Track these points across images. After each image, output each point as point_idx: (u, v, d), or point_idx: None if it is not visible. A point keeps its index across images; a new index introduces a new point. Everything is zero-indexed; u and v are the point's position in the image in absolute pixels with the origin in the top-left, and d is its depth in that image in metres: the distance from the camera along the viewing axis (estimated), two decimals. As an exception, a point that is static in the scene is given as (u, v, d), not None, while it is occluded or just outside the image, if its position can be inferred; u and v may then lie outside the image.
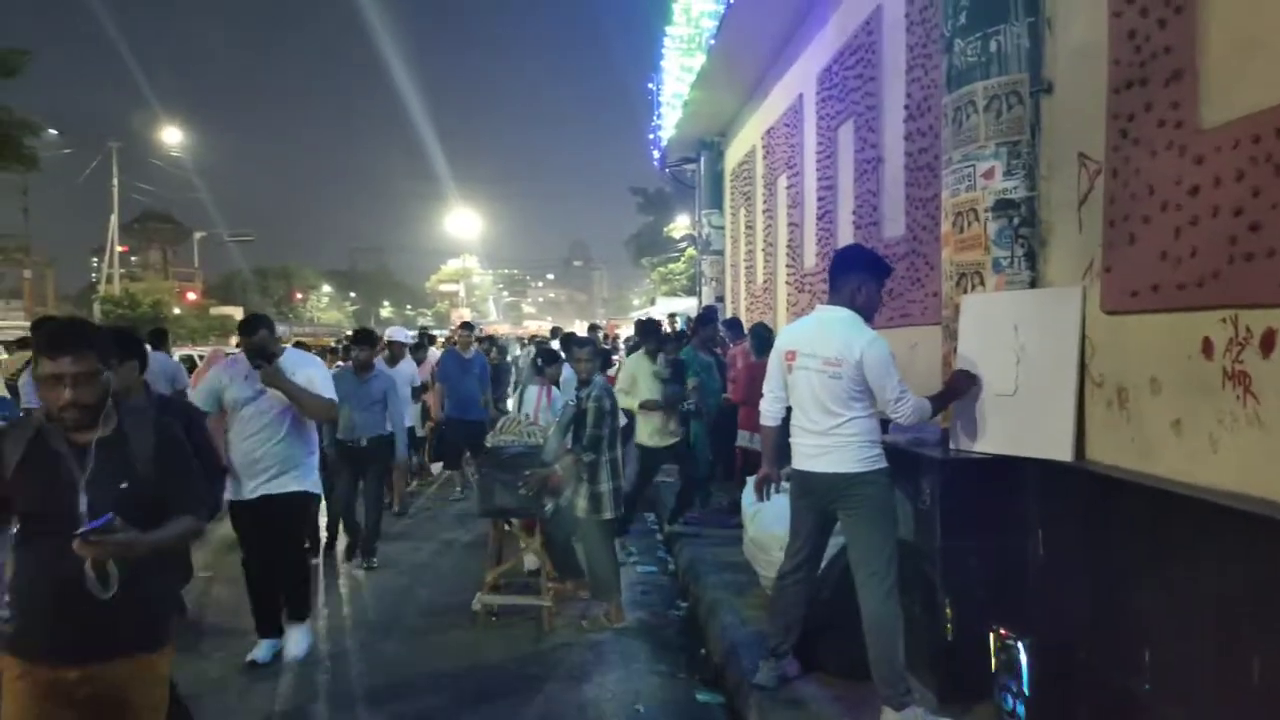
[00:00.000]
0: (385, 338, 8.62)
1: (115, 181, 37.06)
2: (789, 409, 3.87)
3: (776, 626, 3.97)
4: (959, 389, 3.84)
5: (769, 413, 3.96)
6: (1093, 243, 3.43)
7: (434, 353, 11.64)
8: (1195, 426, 2.89)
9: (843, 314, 3.67)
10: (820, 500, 3.71)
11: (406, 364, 8.76)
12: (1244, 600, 2.56)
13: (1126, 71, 3.23)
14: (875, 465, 3.59)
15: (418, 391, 9.04)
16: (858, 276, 3.69)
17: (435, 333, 20.94)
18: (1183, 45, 2.96)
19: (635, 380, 7.15)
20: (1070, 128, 3.63)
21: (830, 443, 3.60)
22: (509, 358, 15.98)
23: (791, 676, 4.00)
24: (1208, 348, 2.82)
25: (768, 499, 4.10)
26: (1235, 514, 2.59)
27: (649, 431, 7.02)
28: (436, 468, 10.75)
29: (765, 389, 3.97)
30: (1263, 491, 2.58)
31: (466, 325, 10.10)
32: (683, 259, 35.18)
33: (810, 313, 4.05)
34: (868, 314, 3.70)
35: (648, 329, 7.77)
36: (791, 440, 3.81)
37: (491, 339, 15.91)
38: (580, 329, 18.42)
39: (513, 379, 16.59)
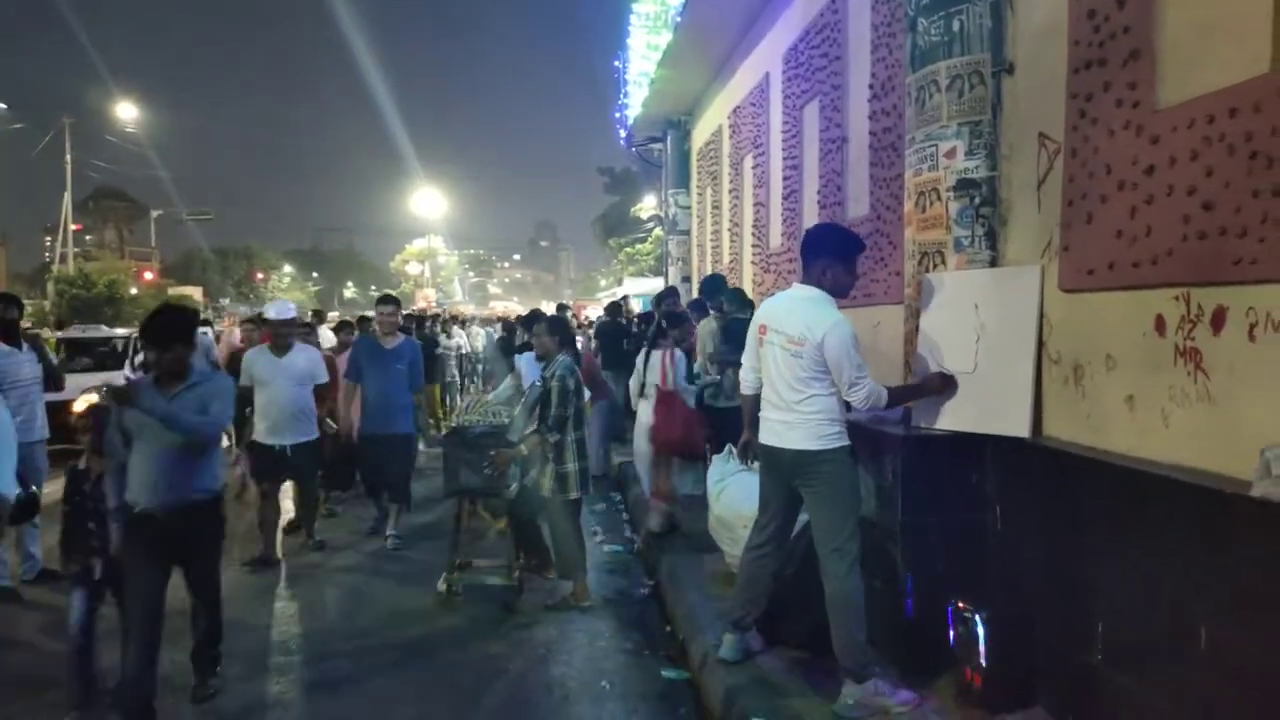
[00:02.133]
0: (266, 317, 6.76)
1: (69, 158, 36.12)
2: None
3: (741, 599, 4.01)
4: (930, 388, 3.85)
5: (746, 382, 4.02)
6: (1051, 222, 3.48)
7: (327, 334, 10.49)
8: (1148, 402, 2.94)
9: (812, 293, 3.69)
10: (784, 475, 3.75)
11: (300, 353, 6.36)
12: (1194, 572, 2.63)
13: (1085, 51, 3.26)
14: (835, 443, 3.61)
15: (321, 392, 6.50)
16: (825, 258, 3.70)
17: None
18: (1140, 25, 2.99)
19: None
20: (1031, 107, 3.66)
21: (793, 418, 3.63)
22: (461, 345, 15.03)
23: (755, 650, 4.05)
24: (1160, 325, 2.87)
25: (750, 463, 4.17)
26: (1185, 487, 2.65)
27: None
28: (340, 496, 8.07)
29: (744, 359, 4.04)
30: (1212, 465, 2.65)
31: (387, 299, 7.08)
32: (650, 239, 35.12)
33: (784, 290, 4.06)
34: (838, 292, 3.71)
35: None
36: (760, 414, 3.85)
37: (505, 321, 14.43)
38: (548, 310, 18.30)
39: (481, 368, 16.36)
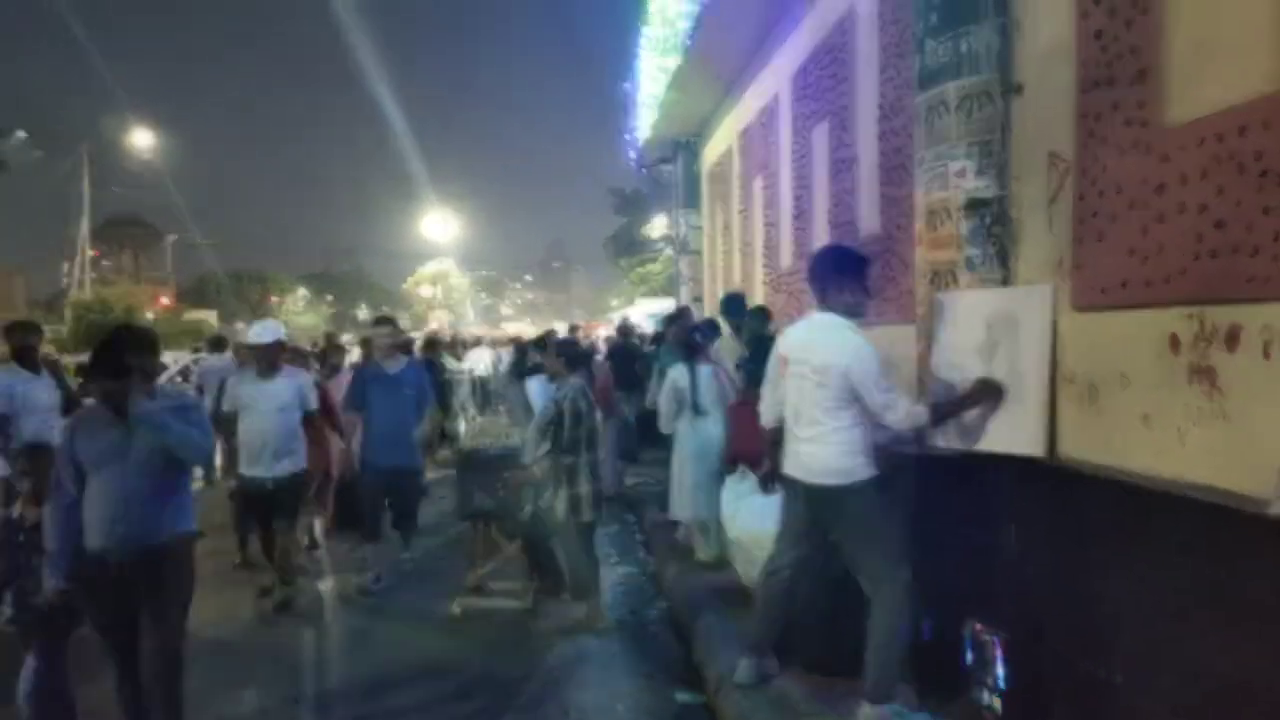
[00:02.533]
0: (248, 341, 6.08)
1: (86, 185, 36.60)
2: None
3: (758, 623, 3.97)
4: (976, 398, 3.60)
5: (765, 415, 3.98)
6: (1063, 240, 3.48)
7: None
8: (1164, 421, 2.93)
9: (831, 319, 3.66)
10: (806, 507, 3.70)
11: (287, 378, 5.82)
12: (1211, 591, 2.60)
13: (1094, 71, 3.27)
14: (858, 476, 3.54)
15: (308, 420, 5.93)
16: (835, 280, 3.69)
17: (414, 335, 20.39)
18: (1148, 45, 3.00)
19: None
20: (1040, 127, 3.67)
21: (818, 450, 3.58)
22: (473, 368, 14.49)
23: (771, 675, 4.01)
24: (1174, 343, 2.86)
25: (769, 493, 4.14)
26: (1202, 506, 2.63)
27: None
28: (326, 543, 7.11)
29: (764, 391, 4.00)
30: (1229, 484, 2.62)
31: (382, 320, 6.74)
32: (660, 259, 35.22)
33: (802, 318, 4.06)
34: (855, 314, 3.68)
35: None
36: (785, 445, 3.80)
37: (516, 343, 12.72)
38: (561, 330, 18.32)
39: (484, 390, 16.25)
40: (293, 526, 5.87)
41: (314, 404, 5.98)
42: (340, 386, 6.97)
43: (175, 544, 3.39)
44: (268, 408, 5.66)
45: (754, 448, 5.52)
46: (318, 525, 7.05)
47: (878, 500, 3.57)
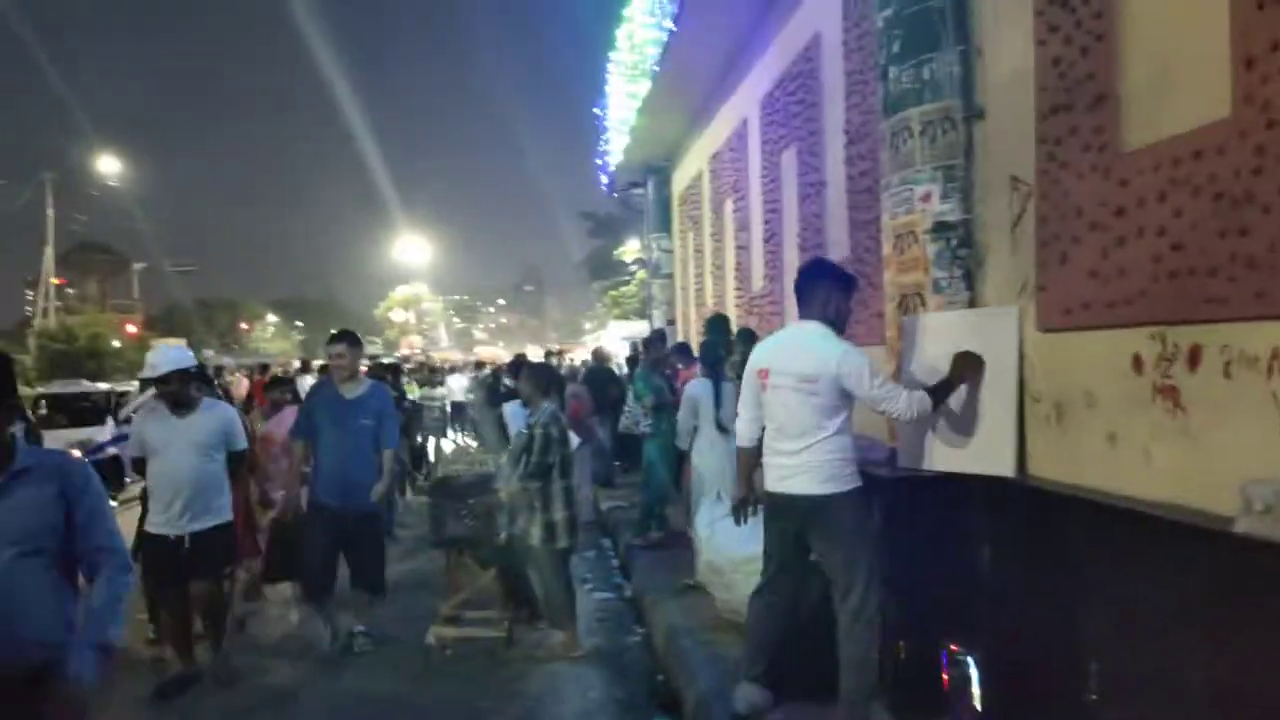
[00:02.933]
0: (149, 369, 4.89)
1: (50, 212, 36.10)
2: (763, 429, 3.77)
3: (751, 650, 3.83)
4: (964, 373, 3.63)
5: (744, 434, 3.87)
6: (1027, 263, 3.53)
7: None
8: (1129, 440, 2.97)
9: (815, 328, 3.62)
10: (792, 523, 3.63)
11: (206, 413, 4.88)
12: (1180, 608, 2.63)
13: (1053, 97, 3.34)
14: (846, 486, 3.51)
15: (234, 459, 5.01)
16: (825, 287, 3.66)
17: (384, 359, 20.09)
18: (1104, 72, 3.08)
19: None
20: (1002, 151, 3.74)
21: (802, 462, 3.51)
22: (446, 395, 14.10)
23: (762, 707, 3.78)
24: (1138, 363, 2.91)
25: (745, 522, 3.95)
26: (1168, 524, 2.67)
27: None
28: (278, 590, 6.18)
29: (739, 409, 3.90)
30: (1194, 501, 2.67)
31: (342, 337, 5.52)
32: (634, 282, 35.31)
33: (778, 332, 4.05)
34: (839, 326, 3.66)
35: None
36: (764, 460, 3.73)
37: (494, 369, 12.85)
38: (534, 354, 18.26)
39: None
40: (218, 582, 4.98)
41: (241, 443, 5.03)
42: (284, 424, 6.09)
43: (45, 661, 2.31)
44: (183, 449, 4.68)
45: None
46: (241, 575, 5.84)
47: (863, 511, 3.55)
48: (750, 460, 3.92)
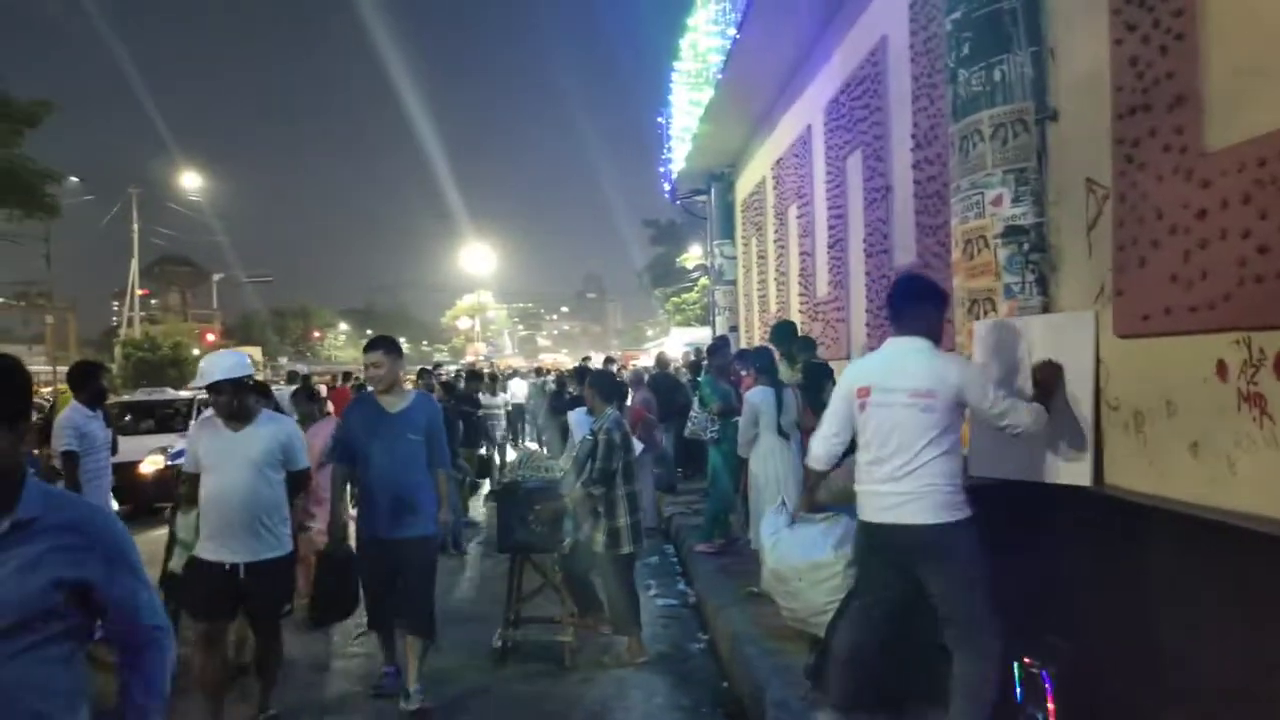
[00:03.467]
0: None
1: (135, 226, 37.66)
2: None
3: (841, 679, 3.58)
4: (1051, 382, 3.53)
5: (822, 455, 3.65)
6: (1103, 267, 3.45)
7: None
8: (1212, 449, 2.88)
9: (917, 343, 3.42)
10: (898, 555, 3.35)
11: (266, 426, 4.29)
12: (1266, 623, 2.54)
13: (1130, 97, 3.26)
14: (962, 514, 3.26)
15: (298, 480, 4.45)
16: (929, 305, 3.51)
17: (449, 367, 20.38)
18: (1184, 71, 2.99)
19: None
20: (1077, 153, 3.66)
21: (912, 489, 3.24)
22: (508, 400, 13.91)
23: None
24: (1222, 370, 2.82)
25: (794, 524, 3.90)
26: (1255, 536, 2.58)
27: None
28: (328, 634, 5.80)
29: (823, 429, 3.66)
30: (1282, 513, 2.57)
31: (378, 343, 4.87)
32: (696, 289, 35.31)
33: (876, 350, 3.82)
34: (937, 343, 3.50)
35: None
36: (859, 488, 3.46)
37: (559, 375, 12.97)
38: (596, 361, 18.41)
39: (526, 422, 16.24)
40: (276, 630, 4.36)
41: (303, 461, 4.44)
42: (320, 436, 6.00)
43: None
44: (239, 467, 4.13)
45: None
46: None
47: (978, 544, 3.27)
48: (817, 482, 3.80)
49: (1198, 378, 2.92)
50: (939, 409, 3.24)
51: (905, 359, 3.39)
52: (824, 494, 4.09)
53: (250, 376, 4.32)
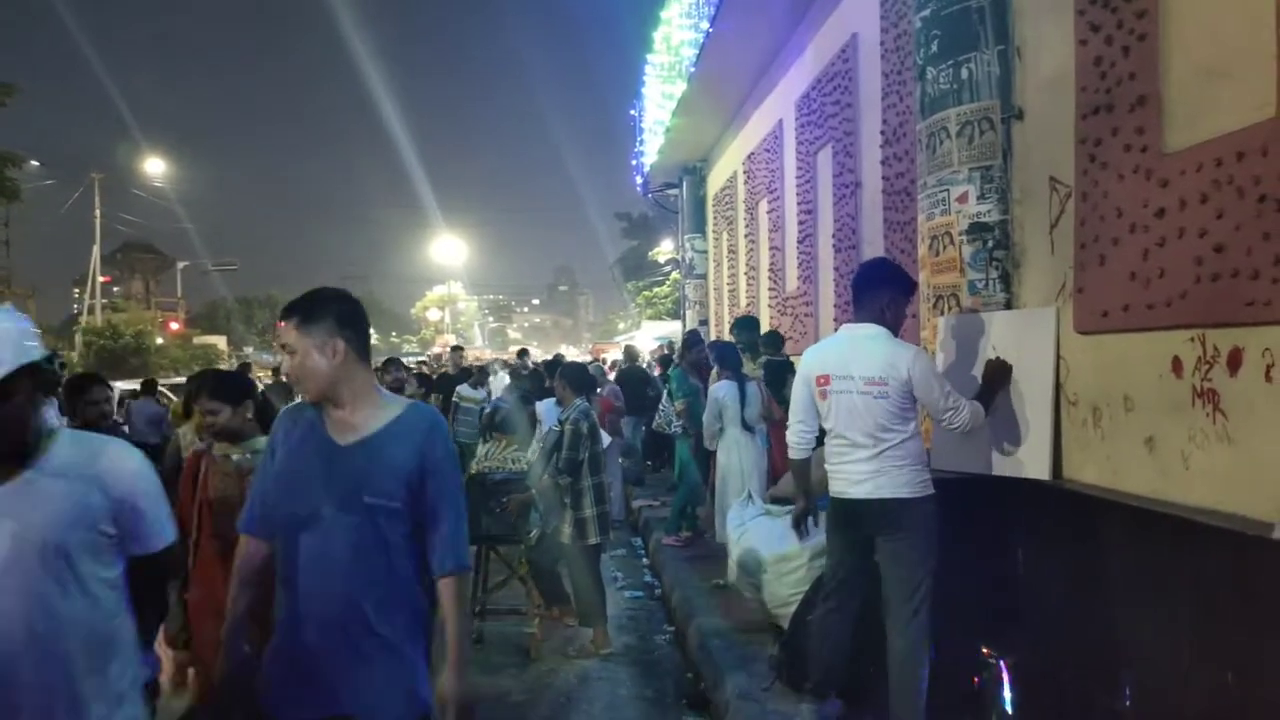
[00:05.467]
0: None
1: (98, 212, 36.92)
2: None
3: (818, 664, 3.65)
4: (999, 381, 3.63)
5: (800, 444, 3.69)
6: (1065, 264, 3.50)
7: None
8: (1167, 444, 2.94)
9: (875, 330, 3.46)
10: (864, 528, 3.45)
11: (68, 459, 1.90)
12: (1218, 615, 2.60)
13: (1093, 97, 3.31)
14: (926, 490, 3.37)
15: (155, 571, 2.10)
16: (887, 291, 3.52)
17: (414, 359, 19.41)
18: (1146, 72, 3.04)
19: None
20: (1041, 152, 3.71)
21: (879, 466, 3.34)
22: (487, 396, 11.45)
23: (836, 716, 3.67)
24: (1177, 366, 2.88)
25: (806, 534, 3.87)
26: (1207, 529, 2.63)
27: None
28: None
29: (793, 418, 3.71)
30: (1233, 506, 2.63)
31: (295, 309, 2.19)
32: (667, 283, 35.31)
33: (831, 335, 3.93)
34: (894, 330, 3.53)
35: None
36: (830, 467, 3.55)
37: (534, 369, 10.62)
38: (569, 355, 18.31)
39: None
40: None
41: (161, 534, 2.05)
42: None
43: None
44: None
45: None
46: None
47: (935, 521, 3.37)
48: (806, 471, 3.80)
49: (1154, 374, 2.98)
50: (891, 395, 3.32)
51: (859, 346, 3.46)
52: (786, 487, 4.13)
53: (41, 361, 1.91)
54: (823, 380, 3.49)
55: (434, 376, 10.92)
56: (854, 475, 3.41)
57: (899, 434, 3.34)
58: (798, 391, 3.67)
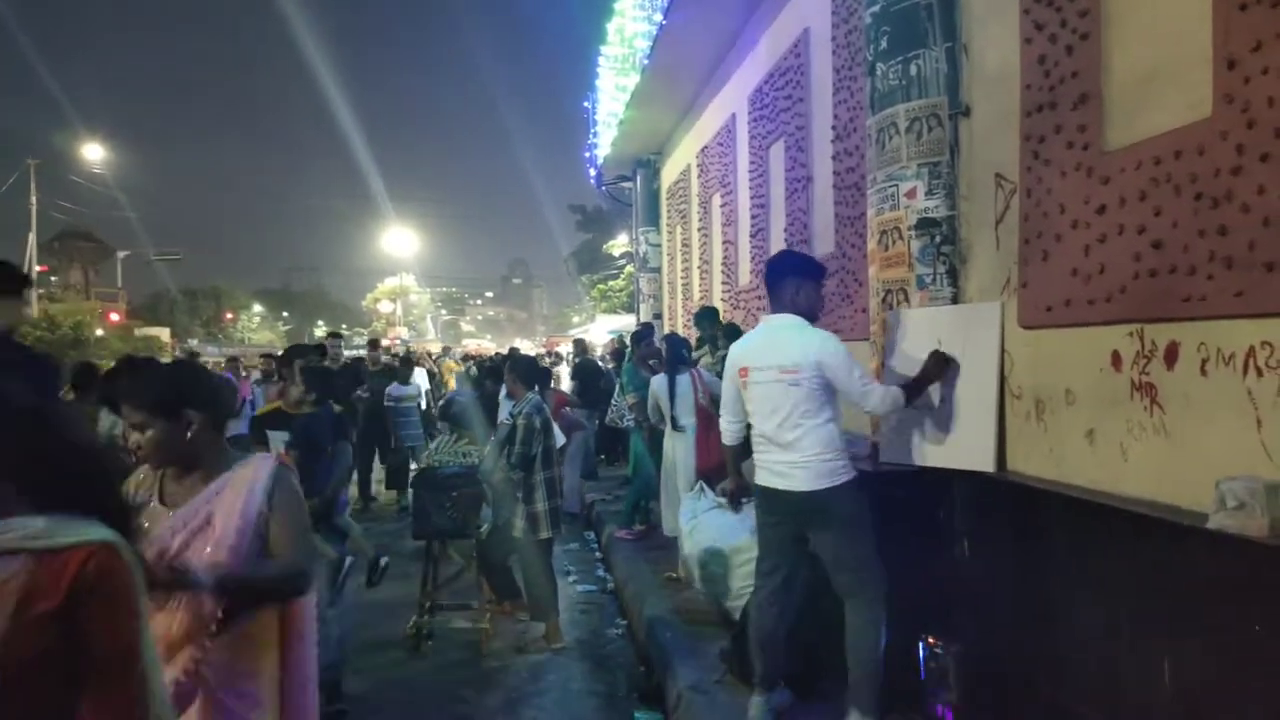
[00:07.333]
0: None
1: (34, 199, 35.72)
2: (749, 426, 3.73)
3: (759, 656, 3.69)
4: (933, 374, 3.70)
5: (729, 433, 3.86)
6: (1010, 260, 3.55)
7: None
8: (1107, 436, 3.00)
9: (789, 319, 3.55)
10: (788, 519, 3.54)
11: None
12: (1155, 604, 2.66)
13: (1037, 95, 3.36)
14: (843, 478, 3.42)
15: None
16: (793, 280, 3.59)
17: (357, 353, 18.45)
18: (1088, 71, 3.09)
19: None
20: (987, 149, 3.76)
21: (796, 458, 3.42)
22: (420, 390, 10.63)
23: (785, 707, 3.73)
24: (1116, 360, 2.94)
25: (739, 510, 4.06)
26: (1145, 520, 2.70)
27: None
28: None
29: (722, 410, 3.86)
30: (1169, 497, 2.70)
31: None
32: (622, 276, 35.26)
33: (753, 329, 4.03)
34: (811, 316, 3.60)
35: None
36: (755, 457, 3.64)
37: (490, 364, 10.18)
38: (525, 348, 18.18)
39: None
40: None
41: None
42: None
43: None
44: None
45: (716, 461, 5.51)
46: None
47: (860, 504, 3.45)
48: (738, 455, 3.93)
49: (1095, 368, 3.04)
50: (804, 383, 3.40)
51: (775, 336, 3.56)
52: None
53: None
54: (744, 373, 3.63)
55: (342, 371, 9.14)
56: (775, 467, 3.52)
57: (813, 420, 3.42)
58: (725, 385, 3.83)
